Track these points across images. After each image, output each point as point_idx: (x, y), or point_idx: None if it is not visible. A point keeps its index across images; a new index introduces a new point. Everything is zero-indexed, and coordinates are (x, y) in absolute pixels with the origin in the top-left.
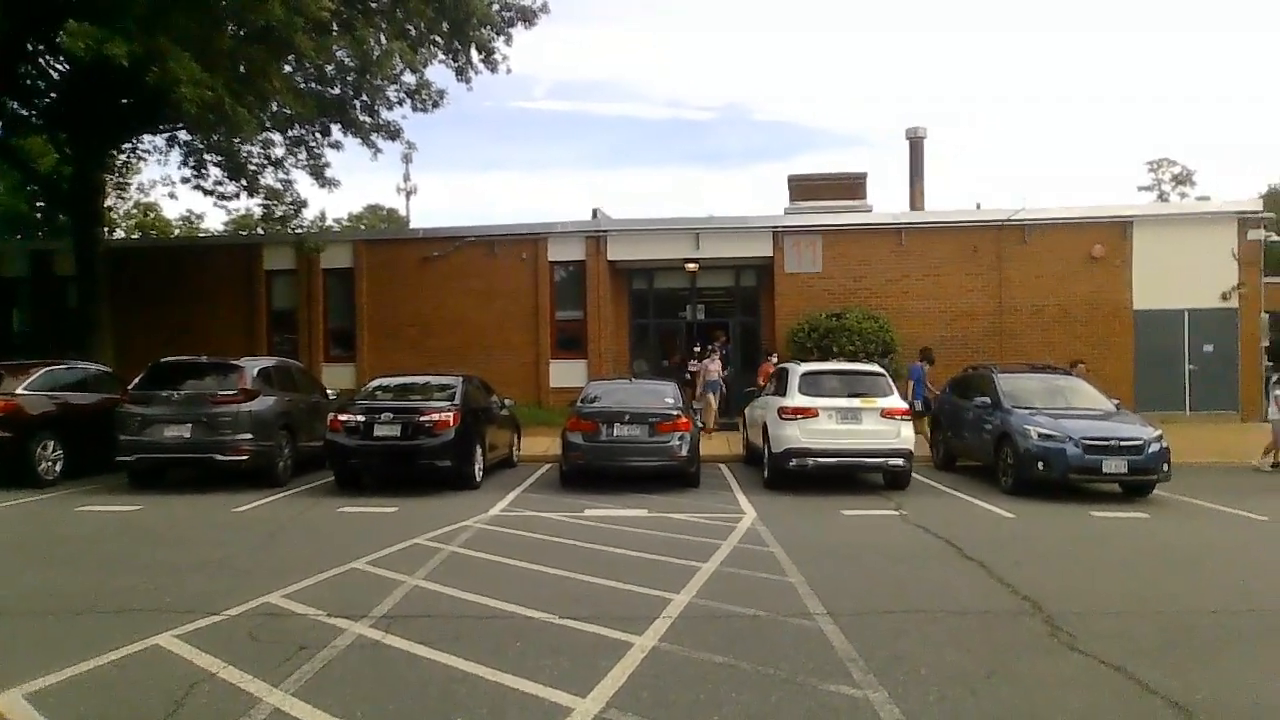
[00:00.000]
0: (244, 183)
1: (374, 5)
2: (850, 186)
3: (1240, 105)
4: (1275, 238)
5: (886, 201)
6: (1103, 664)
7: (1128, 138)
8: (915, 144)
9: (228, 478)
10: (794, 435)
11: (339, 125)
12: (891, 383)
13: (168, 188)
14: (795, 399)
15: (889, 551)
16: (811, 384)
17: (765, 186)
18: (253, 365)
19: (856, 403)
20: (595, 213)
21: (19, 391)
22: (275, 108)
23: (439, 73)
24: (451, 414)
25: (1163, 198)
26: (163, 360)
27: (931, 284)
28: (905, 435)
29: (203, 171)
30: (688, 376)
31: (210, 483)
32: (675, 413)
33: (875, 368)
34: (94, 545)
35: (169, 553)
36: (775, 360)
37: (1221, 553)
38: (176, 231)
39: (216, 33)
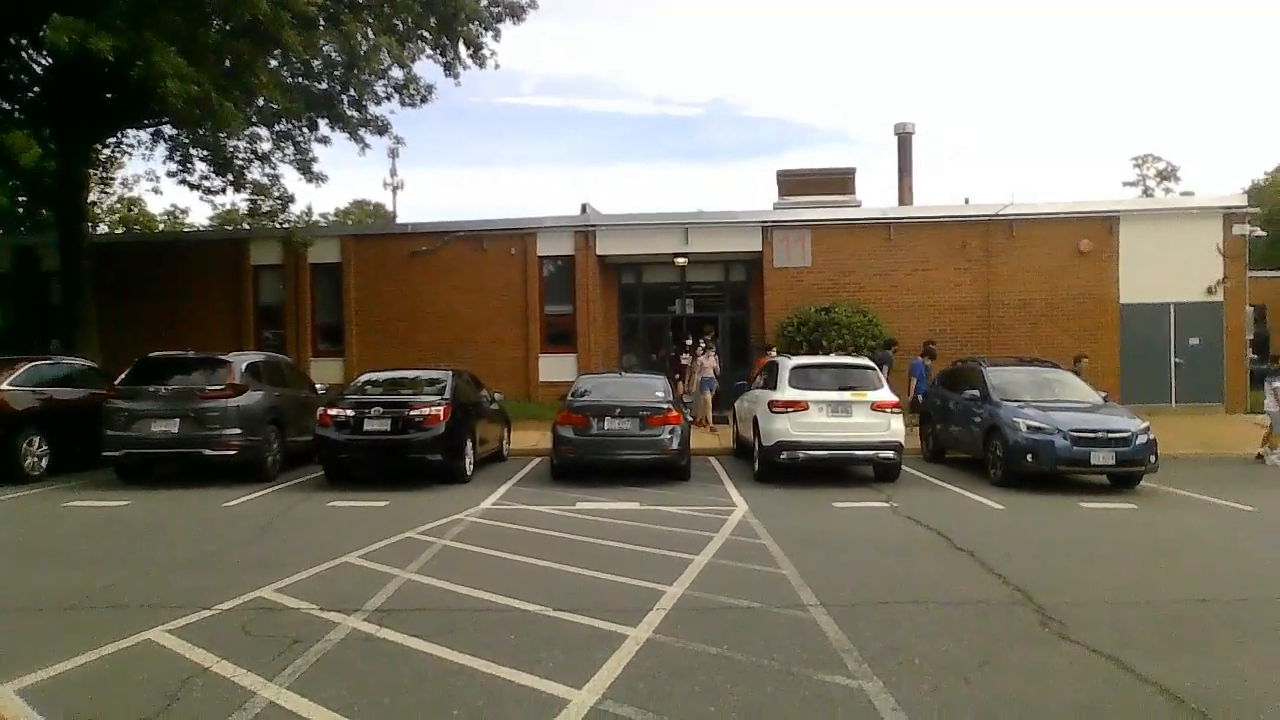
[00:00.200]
0: (230, 177)
1: (361, 0)
2: (839, 181)
3: (1224, 101)
4: (1259, 232)
5: (875, 197)
6: (1094, 653)
7: (1113, 133)
8: (903, 139)
9: (216, 473)
10: (784, 428)
11: (326, 120)
12: (881, 376)
13: (152, 182)
14: (785, 392)
15: (880, 543)
16: (801, 377)
17: (754, 182)
18: (241, 360)
19: (847, 396)
20: (584, 208)
21: (4, 387)
22: (262, 102)
23: (427, 68)
24: (442, 408)
25: (1147, 193)
26: (150, 355)
27: (920, 278)
28: (895, 428)
29: (189, 166)
30: (676, 377)
31: (198, 478)
32: (666, 406)
33: (865, 361)
34: (82, 541)
35: (158, 548)
36: (775, 353)
37: (1209, 543)
38: (161, 226)
39: (202, 27)
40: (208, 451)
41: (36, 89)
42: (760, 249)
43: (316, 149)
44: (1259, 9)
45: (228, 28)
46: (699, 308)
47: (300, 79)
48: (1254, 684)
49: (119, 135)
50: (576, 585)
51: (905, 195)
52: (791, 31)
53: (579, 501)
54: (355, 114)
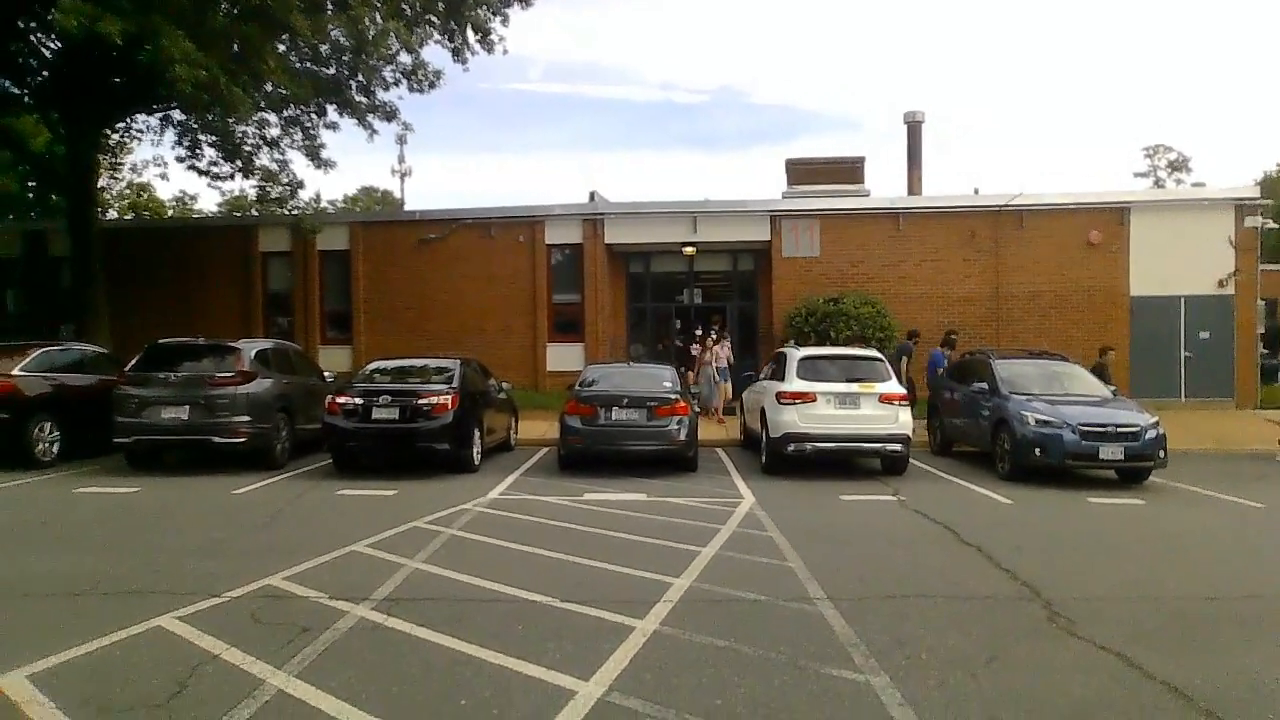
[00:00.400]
0: (239, 163)
1: None
2: (848, 171)
3: (1236, 92)
4: (1272, 225)
5: (884, 186)
6: (1102, 649)
7: (1124, 123)
8: (913, 128)
9: (225, 460)
10: (792, 420)
11: (335, 106)
12: (890, 368)
13: (160, 168)
14: (793, 384)
15: (887, 536)
16: (810, 369)
17: (761, 169)
18: (250, 347)
19: (855, 388)
20: (593, 195)
21: (15, 373)
22: (270, 88)
23: (435, 54)
24: (450, 397)
25: (1158, 184)
26: (159, 341)
27: (929, 269)
28: (903, 420)
29: (197, 152)
30: (683, 369)
31: (208, 465)
32: (673, 397)
33: (873, 352)
34: (92, 527)
35: (168, 535)
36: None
37: (1219, 540)
38: (170, 212)
39: (210, 11)
40: (217, 439)
41: (45, 73)
42: (769, 238)
43: (325, 135)
44: (1271, 1)
45: (235, 12)
46: (707, 297)
47: (308, 64)
48: (1263, 681)
49: (128, 120)
50: (584, 576)
51: (914, 186)
52: (798, 16)
53: (586, 492)
54: (363, 100)
